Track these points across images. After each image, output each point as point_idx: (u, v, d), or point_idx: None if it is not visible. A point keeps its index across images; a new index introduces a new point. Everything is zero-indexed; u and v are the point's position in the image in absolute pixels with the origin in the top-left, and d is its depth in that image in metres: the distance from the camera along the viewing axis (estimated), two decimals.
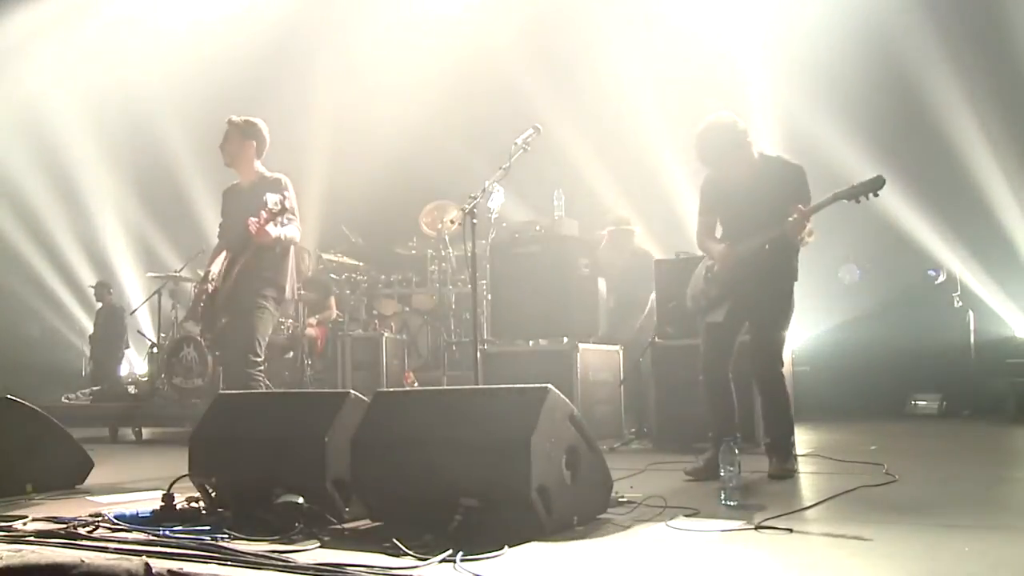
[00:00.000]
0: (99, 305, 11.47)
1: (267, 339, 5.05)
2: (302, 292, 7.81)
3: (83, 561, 2.48)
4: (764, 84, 8.52)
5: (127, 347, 11.63)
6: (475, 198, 4.53)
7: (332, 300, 8.48)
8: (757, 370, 4.39)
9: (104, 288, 11.49)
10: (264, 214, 4.75)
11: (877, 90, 8.66)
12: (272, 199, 4.74)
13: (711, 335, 4.43)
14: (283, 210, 4.77)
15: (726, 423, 4.36)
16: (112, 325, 11.34)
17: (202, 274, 5.25)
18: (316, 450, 3.14)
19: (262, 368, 4.93)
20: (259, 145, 5.11)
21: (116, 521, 3.05)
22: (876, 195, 3.94)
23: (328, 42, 10.48)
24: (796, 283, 4.40)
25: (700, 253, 4.76)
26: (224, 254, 5.11)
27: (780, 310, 4.35)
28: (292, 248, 5.10)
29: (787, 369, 6.18)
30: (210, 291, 5.02)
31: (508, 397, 3.08)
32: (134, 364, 11.85)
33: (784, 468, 4.20)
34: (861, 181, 3.95)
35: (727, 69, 8.52)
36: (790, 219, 4.03)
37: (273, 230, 4.80)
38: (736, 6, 8.94)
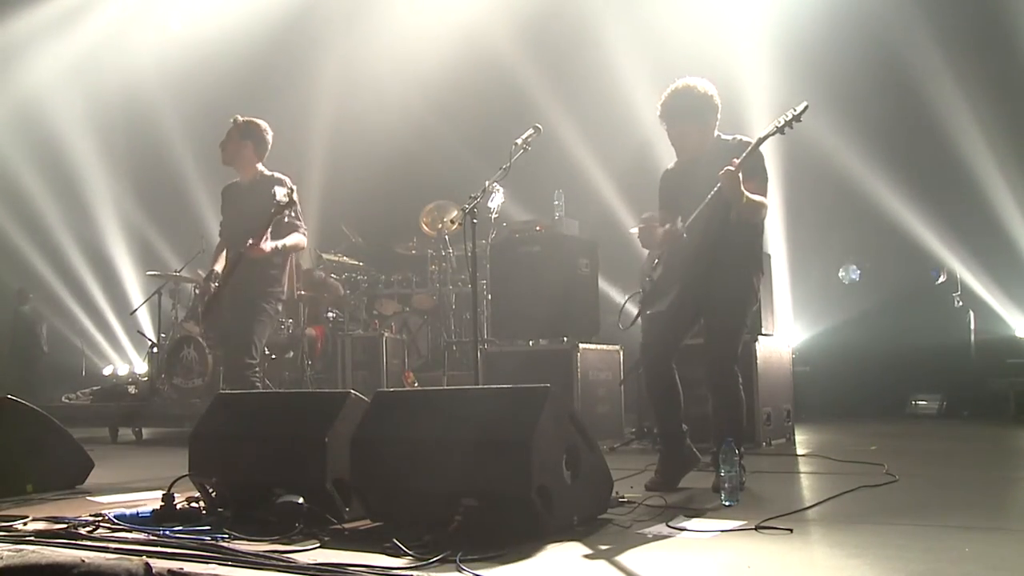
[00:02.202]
0: (20, 310, 11.47)
1: (264, 342, 5.07)
2: (302, 292, 7.81)
3: (83, 561, 2.48)
4: (765, 83, 8.52)
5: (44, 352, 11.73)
6: (475, 198, 4.54)
7: (334, 283, 8.41)
8: (708, 370, 3.93)
9: (24, 295, 11.52)
10: (262, 230, 4.75)
11: (877, 90, 8.67)
12: (280, 191, 4.76)
13: (653, 326, 4.05)
14: (291, 203, 4.78)
15: (671, 424, 4.02)
16: (32, 331, 11.44)
17: (204, 274, 5.26)
18: (316, 450, 3.14)
19: (257, 370, 4.94)
20: (257, 145, 5.11)
21: (116, 521, 3.06)
22: (799, 120, 3.67)
23: (329, 42, 10.49)
24: (757, 274, 4.02)
25: None
26: (225, 252, 5.15)
27: (738, 301, 3.93)
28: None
29: (785, 369, 6.26)
30: (213, 290, 5.03)
31: (508, 397, 3.08)
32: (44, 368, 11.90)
33: (718, 484, 3.57)
34: (785, 115, 3.70)
35: (728, 69, 8.53)
36: (721, 172, 3.66)
37: (266, 244, 4.80)
38: (737, 5, 8.95)
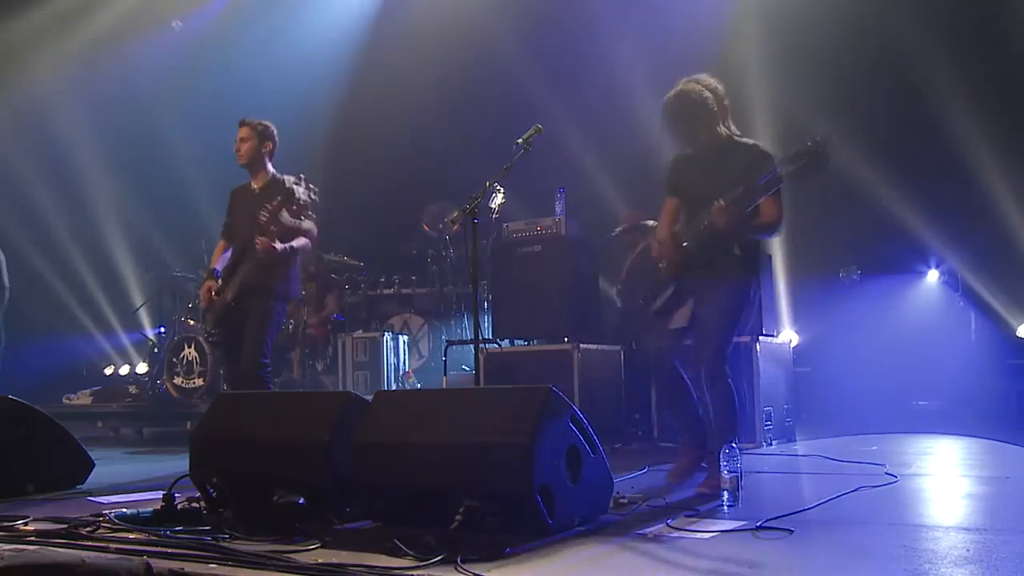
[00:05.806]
0: None
1: (273, 341, 5.06)
2: (303, 292, 7.81)
3: (84, 561, 2.48)
4: (764, 82, 8.52)
5: None
6: (476, 198, 4.54)
7: (330, 298, 8.46)
8: (700, 370, 3.96)
9: None
10: (268, 219, 4.75)
11: (878, 89, 8.67)
12: (299, 189, 4.78)
13: (671, 341, 4.14)
14: (313, 202, 4.78)
15: (685, 418, 4.16)
16: None
17: (205, 273, 5.26)
18: (317, 450, 3.14)
19: (269, 369, 4.94)
20: (274, 148, 5.13)
21: (117, 521, 3.05)
22: (824, 164, 3.56)
23: (329, 41, 10.48)
24: (754, 279, 4.03)
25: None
26: (230, 252, 5.16)
27: (728, 307, 3.93)
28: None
29: (786, 369, 6.25)
30: (215, 289, 5.03)
31: (509, 397, 3.08)
32: None
33: (711, 484, 3.67)
34: (793, 157, 3.62)
35: (728, 66, 8.51)
36: (713, 205, 3.75)
37: (279, 246, 4.81)
38: (738, 3, 8.95)
